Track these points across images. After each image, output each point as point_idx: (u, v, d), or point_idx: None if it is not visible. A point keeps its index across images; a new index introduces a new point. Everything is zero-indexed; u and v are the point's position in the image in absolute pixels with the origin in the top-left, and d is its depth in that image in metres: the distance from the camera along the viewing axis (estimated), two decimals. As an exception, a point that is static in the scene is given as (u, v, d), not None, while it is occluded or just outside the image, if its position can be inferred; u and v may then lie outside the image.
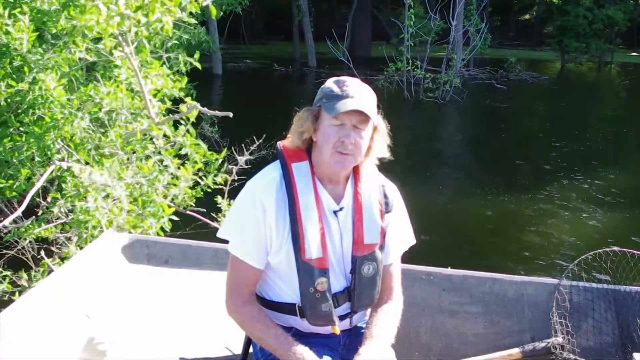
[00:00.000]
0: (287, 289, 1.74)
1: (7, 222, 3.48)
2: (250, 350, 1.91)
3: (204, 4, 3.60)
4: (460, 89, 15.28)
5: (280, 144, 1.79)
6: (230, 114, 3.90)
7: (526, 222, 6.84)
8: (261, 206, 1.67)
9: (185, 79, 4.22)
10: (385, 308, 1.79)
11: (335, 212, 1.73)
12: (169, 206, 3.71)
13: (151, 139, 4.05)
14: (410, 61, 15.13)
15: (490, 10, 18.35)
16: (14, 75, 3.69)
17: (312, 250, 1.66)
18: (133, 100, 4.05)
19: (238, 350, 2.04)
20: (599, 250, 2.83)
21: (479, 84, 17.14)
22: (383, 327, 1.73)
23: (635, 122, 13.57)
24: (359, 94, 1.66)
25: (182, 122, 4.11)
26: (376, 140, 1.74)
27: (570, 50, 23.56)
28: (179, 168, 3.85)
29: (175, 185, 3.84)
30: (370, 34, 25.18)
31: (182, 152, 3.98)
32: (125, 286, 2.91)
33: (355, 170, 1.77)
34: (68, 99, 3.73)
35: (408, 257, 1.92)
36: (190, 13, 3.70)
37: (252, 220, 1.68)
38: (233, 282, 1.76)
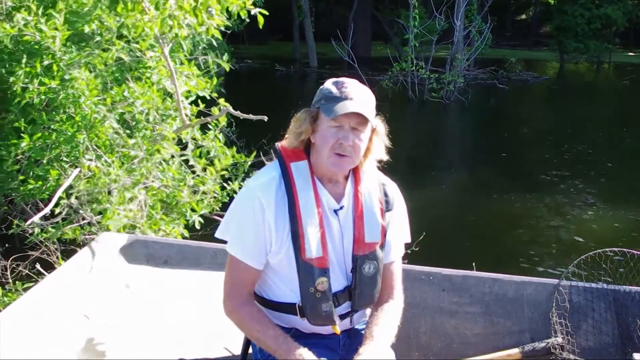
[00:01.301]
0: (287, 289, 1.73)
1: (35, 219, 3.46)
2: (250, 350, 1.91)
3: (253, 12, 3.52)
4: (464, 89, 15.31)
5: (278, 144, 1.78)
6: (265, 118, 3.88)
7: (527, 222, 6.84)
8: (260, 206, 1.66)
9: (215, 80, 4.15)
10: (386, 307, 1.78)
11: (335, 211, 1.72)
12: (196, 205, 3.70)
13: (180, 141, 4.01)
14: (414, 61, 15.14)
15: (489, 10, 18.40)
16: (43, 74, 3.65)
17: (313, 250, 1.66)
18: (164, 101, 4.01)
19: (237, 350, 2.04)
20: (599, 251, 2.83)
21: (480, 84, 17.15)
22: (383, 326, 1.72)
23: (636, 122, 13.57)
24: (357, 96, 1.65)
25: (210, 126, 4.07)
26: (375, 141, 1.73)
27: (569, 51, 23.60)
28: (204, 170, 3.83)
29: (203, 183, 3.82)
30: (371, 34, 25.20)
31: (209, 156, 3.95)
32: (125, 286, 2.91)
33: (355, 169, 1.76)
34: (100, 99, 3.70)
35: (408, 256, 1.91)
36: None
37: (251, 220, 1.68)
38: (231, 282, 1.75)
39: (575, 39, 23.18)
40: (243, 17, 3.54)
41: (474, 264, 4.28)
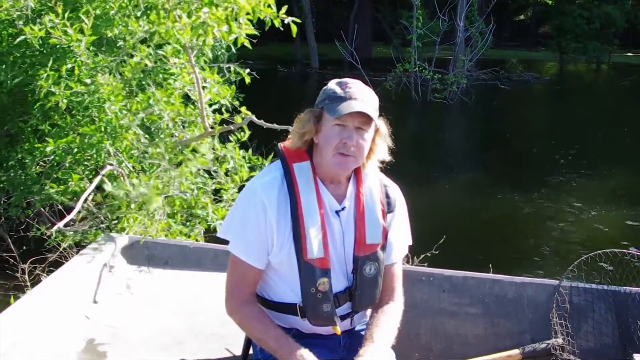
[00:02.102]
0: (288, 289, 1.73)
1: (61, 224, 3.44)
2: (251, 351, 1.91)
3: (287, 21, 3.51)
4: (468, 89, 15.33)
5: (280, 144, 1.79)
6: (290, 128, 3.86)
7: (528, 223, 6.84)
8: (262, 206, 1.67)
9: (234, 88, 4.11)
10: (386, 309, 1.78)
11: (337, 212, 1.72)
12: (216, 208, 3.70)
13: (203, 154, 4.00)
14: (417, 62, 15.17)
15: (486, 10, 18.40)
16: (67, 77, 3.63)
17: (314, 250, 1.66)
18: (186, 108, 3.99)
19: (238, 351, 2.04)
20: (599, 252, 2.83)
21: (482, 85, 17.15)
22: (384, 328, 1.72)
23: (638, 122, 13.59)
24: (361, 96, 1.66)
25: (231, 137, 4.03)
26: (378, 142, 1.73)
27: (568, 51, 23.63)
28: (227, 174, 3.83)
29: (225, 190, 3.81)
30: (371, 35, 25.22)
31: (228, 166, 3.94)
32: (125, 287, 2.92)
33: (357, 170, 1.76)
34: (124, 105, 3.68)
35: (410, 256, 1.91)
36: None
37: (253, 220, 1.68)
38: (233, 282, 1.76)
39: (574, 39, 23.20)
40: (277, 26, 3.51)
41: (474, 264, 4.29)
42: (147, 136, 3.87)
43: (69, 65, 3.57)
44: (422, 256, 3.81)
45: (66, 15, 3.46)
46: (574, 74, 24.21)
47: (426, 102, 15.11)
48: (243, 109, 3.98)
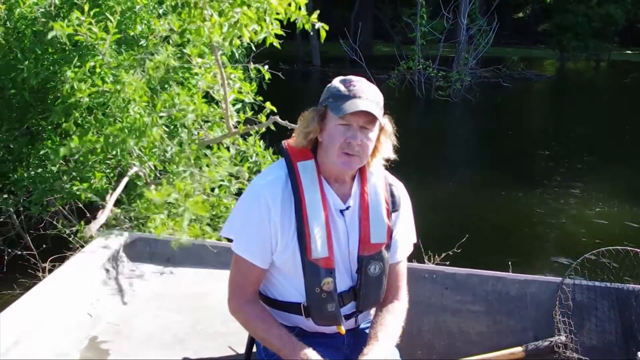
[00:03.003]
0: (293, 288, 1.72)
1: (94, 227, 3.44)
2: (254, 350, 1.91)
3: (317, 26, 3.49)
4: (472, 87, 15.34)
5: (284, 143, 1.78)
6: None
7: (532, 220, 6.83)
8: (266, 205, 1.66)
9: (255, 85, 4.12)
10: (391, 308, 1.78)
11: (341, 211, 1.71)
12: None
13: (227, 148, 3.98)
14: (421, 60, 15.17)
15: (485, 8, 18.39)
16: (89, 75, 3.63)
17: (319, 250, 1.65)
18: (209, 107, 3.97)
19: (241, 349, 2.04)
20: (602, 249, 2.82)
21: (484, 83, 17.15)
22: (388, 327, 1.71)
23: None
24: (366, 94, 1.64)
25: (252, 132, 4.05)
26: (382, 140, 1.72)
27: (569, 49, 23.68)
28: (249, 172, 3.82)
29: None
30: (372, 33, 25.20)
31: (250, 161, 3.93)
32: (128, 285, 2.92)
33: (362, 169, 1.75)
34: (149, 104, 3.68)
35: (412, 254, 1.91)
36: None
37: (257, 219, 1.67)
38: (236, 281, 1.75)
39: (575, 37, 23.24)
40: (308, 30, 3.51)
41: (477, 262, 4.28)
42: (170, 136, 3.87)
43: (92, 63, 3.57)
44: (444, 255, 3.80)
45: (91, 12, 3.45)
46: (575, 72, 24.24)
47: (430, 100, 15.12)
48: (268, 104, 3.97)
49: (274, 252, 1.69)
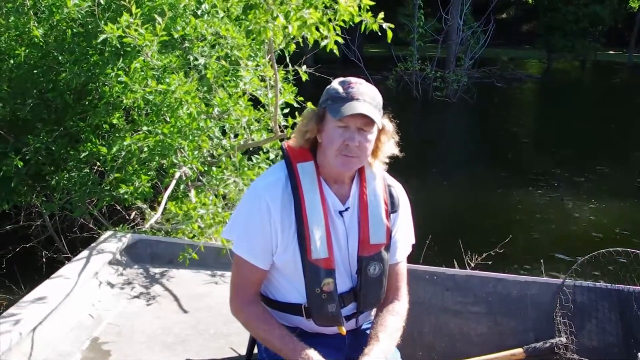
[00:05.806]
0: (293, 289, 1.73)
1: (147, 227, 3.46)
2: (255, 350, 1.91)
3: (385, 26, 3.43)
4: (469, 87, 15.38)
5: (284, 143, 1.78)
6: None
7: (531, 221, 6.85)
8: (266, 206, 1.66)
9: (293, 87, 4.09)
10: (391, 308, 1.78)
11: (341, 212, 1.72)
12: None
13: (266, 151, 3.98)
14: (419, 60, 15.21)
15: (472, 10, 18.49)
16: (132, 76, 3.61)
17: (319, 251, 1.66)
18: (254, 110, 3.95)
19: (242, 350, 2.05)
20: (603, 251, 2.83)
21: (478, 83, 17.20)
22: (389, 327, 1.72)
23: (634, 118, 13.65)
24: (364, 96, 1.64)
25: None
26: (383, 140, 1.72)
27: (556, 49, 23.82)
28: None
29: None
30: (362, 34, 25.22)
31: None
32: (129, 286, 2.92)
33: (361, 170, 1.76)
34: (198, 107, 3.66)
35: (412, 255, 1.92)
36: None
37: (257, 220, 1.67)
38: (237, 282, 1.75)
39: (563, 37, 23.40)
40: (375, 31, 3.47)
41: (477, 263, 4.29)
42: (217, 139, 3.86)
43: (137, 64, 3.56)
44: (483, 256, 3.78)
45: (138, 14, 3.43)
46: (562, 72, 24.54)
47: (427, 101, 15.17)
48: (309, 104, 3.95)
49: (275, 253, 1.70)
